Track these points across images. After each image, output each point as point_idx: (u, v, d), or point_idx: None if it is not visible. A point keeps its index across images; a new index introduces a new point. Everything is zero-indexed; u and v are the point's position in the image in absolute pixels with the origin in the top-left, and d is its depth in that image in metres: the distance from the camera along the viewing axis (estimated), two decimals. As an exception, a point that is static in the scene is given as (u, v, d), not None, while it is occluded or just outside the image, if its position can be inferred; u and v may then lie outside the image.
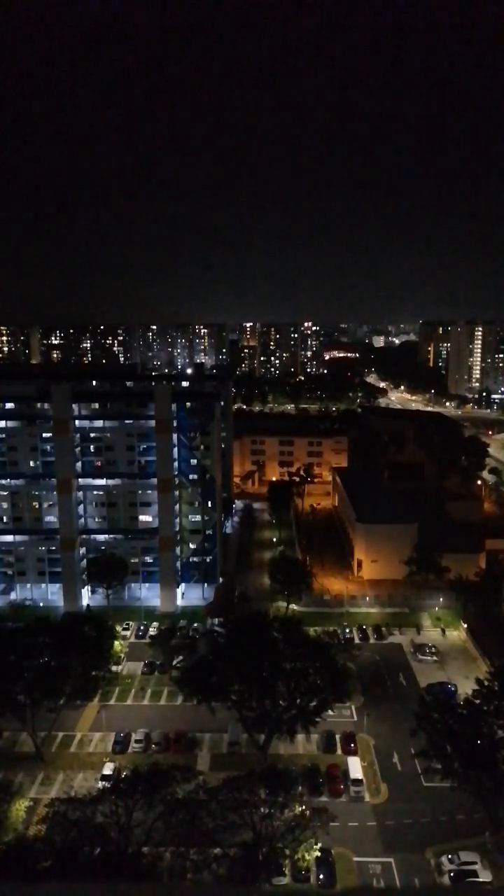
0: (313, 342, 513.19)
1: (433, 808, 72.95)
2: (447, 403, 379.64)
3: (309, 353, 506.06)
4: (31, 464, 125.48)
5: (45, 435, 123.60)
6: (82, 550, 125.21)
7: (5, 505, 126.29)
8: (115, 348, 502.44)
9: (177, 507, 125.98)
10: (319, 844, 63.19)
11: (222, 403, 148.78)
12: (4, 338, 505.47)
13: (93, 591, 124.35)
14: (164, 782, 62.80)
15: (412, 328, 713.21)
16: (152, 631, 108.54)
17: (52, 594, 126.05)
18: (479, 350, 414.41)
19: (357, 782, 76.14)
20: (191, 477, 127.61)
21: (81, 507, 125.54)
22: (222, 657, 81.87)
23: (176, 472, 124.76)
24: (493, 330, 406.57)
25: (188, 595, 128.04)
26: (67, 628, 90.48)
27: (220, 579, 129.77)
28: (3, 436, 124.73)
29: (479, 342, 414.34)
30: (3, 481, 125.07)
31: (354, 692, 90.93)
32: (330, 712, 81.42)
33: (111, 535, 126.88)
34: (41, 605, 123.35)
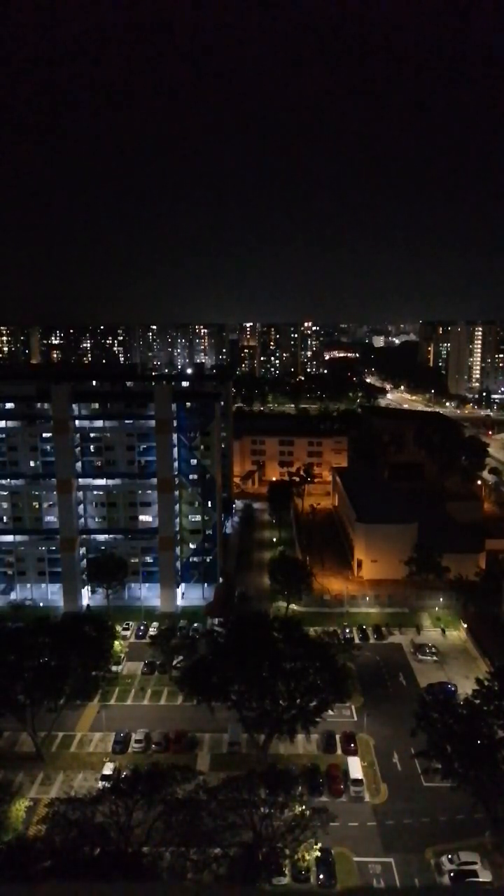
0: (313, 342, 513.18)
1: (433, 808, 72.93)
2: (447, 403, 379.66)
3: (309, 353, 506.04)
4: (31, 464, 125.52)
5: (45, 435, 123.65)
6: (82, 550, 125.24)
7: (5, 505, 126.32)
8: (115, 348, 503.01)
9: (177, 507, 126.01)
10: (319, 844, 63.22)
11: (222, 403, 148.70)
12: (4, 338, 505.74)
13: (93, 591, 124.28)
14: (164, 782, 62.74)
15: (412, 328, 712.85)
16: (152, 631, 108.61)
17: (52, 594, 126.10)
18: (479, 350, 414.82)
19: (357, 782, 76.12)
20: (191, 477, 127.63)
21: (81, 507, 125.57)
22: (222, 657, 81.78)
23: (176, 472, 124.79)
24: (493, 330, 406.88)
25: (188, 595, 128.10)
26: (67, 628, 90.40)
27: (220, 579, 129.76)
28: (3, 436, 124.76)
29: (479, 342, 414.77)
30: (3, 481, 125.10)
31: (354, 692, 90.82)
32: (330, 712, 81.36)
33: (111, 535, 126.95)
34: (41, 605, 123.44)
